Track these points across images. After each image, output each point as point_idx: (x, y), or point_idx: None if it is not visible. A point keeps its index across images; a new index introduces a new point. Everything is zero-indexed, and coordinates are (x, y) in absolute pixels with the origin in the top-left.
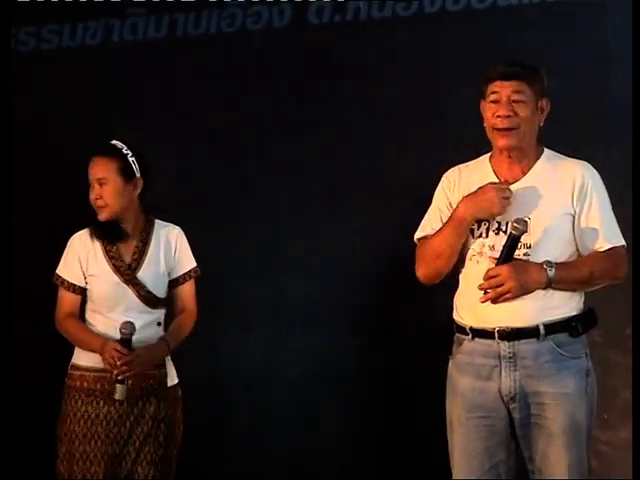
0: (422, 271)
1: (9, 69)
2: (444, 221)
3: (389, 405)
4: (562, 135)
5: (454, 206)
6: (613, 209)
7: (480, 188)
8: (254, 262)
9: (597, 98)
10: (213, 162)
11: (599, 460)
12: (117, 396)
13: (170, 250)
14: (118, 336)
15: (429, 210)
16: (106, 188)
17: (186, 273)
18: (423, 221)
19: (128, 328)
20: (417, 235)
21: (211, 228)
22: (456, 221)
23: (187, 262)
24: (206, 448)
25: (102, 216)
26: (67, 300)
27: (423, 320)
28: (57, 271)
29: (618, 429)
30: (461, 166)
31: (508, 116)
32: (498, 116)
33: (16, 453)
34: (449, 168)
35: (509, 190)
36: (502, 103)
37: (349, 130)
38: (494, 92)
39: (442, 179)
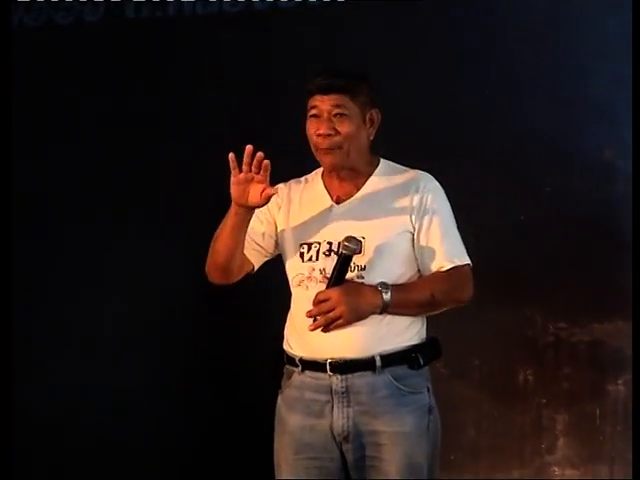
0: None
1: None
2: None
3: (215, 428)
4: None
5: (277, 225)
6: (459, 227)
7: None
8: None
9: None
10: (21, 165)
11: None
12: None
13: None
14: None
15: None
16: None
17: None
18: None
19: None
20: None
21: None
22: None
23: None
24: None
25: None
26: None
27: (248, 346)
28: None
29: (466, 470)
30: (292, 182)
31: (329, 135)
32: (319, 135)
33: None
34: (279, 178)
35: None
36: (323, 119)
37: (168, 132)
38: (314, 106)
39: None
